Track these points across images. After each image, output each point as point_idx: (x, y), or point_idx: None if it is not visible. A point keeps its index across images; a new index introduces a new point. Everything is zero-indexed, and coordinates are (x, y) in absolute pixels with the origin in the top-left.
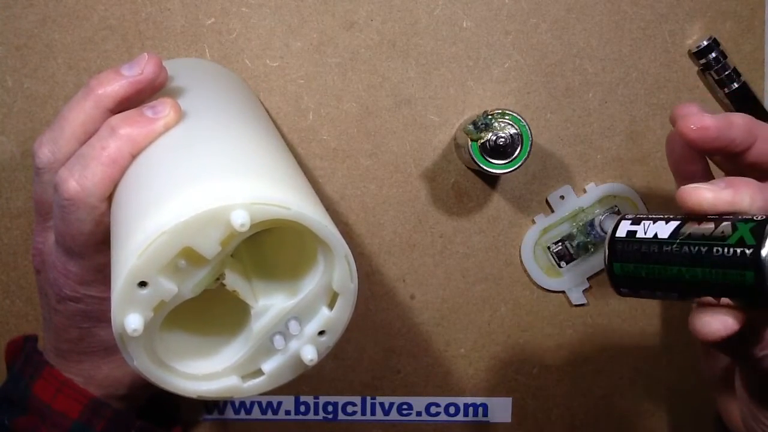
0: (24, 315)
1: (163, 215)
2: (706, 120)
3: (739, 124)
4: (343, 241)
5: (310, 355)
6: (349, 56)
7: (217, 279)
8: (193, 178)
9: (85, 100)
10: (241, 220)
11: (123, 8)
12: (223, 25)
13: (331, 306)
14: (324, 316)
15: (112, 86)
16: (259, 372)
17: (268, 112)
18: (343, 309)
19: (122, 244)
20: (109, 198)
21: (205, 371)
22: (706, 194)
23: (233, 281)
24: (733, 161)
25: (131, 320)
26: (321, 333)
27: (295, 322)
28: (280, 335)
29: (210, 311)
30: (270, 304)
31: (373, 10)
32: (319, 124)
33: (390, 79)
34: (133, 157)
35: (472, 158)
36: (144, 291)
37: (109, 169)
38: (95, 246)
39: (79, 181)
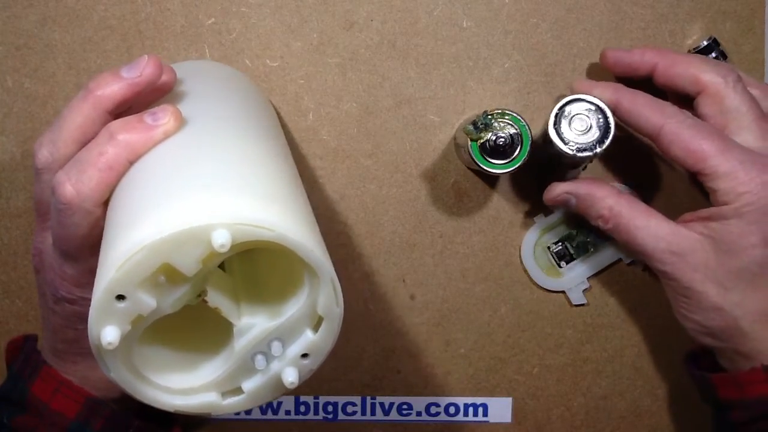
0: (24, 315)
1: (144, 230)
2: (607, 52)
3: (634, 54)
4: (328, 265)
5: (291, 377)
6: (349, 56)
7: (199, 295)
8: (177, 193)
9: (84, 102)
10: (221, 240)
11: (123, 8)
12: (223, 25)
13: (315, 329)
14: (308, 339)
15: (111, 88)
16: (239, 390)
17: (277, 112)
18: (328, 333)
19: (105, 255)
20: (106, 203)
21: (183, 385)
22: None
23: (215, 298)
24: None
25: (107, 333)
26: (304, 356)
27: (277, 343)
28: (262, 355)
29: (193, 326)
30: (253, 323)
31: (373, 10)
32: (319, 124)
33: (390, 79)
34: (131, 163)
35: (472, 158)
36: (122, 304)
37: (106, 175)
38: (90, 249)
39: (76, 185)
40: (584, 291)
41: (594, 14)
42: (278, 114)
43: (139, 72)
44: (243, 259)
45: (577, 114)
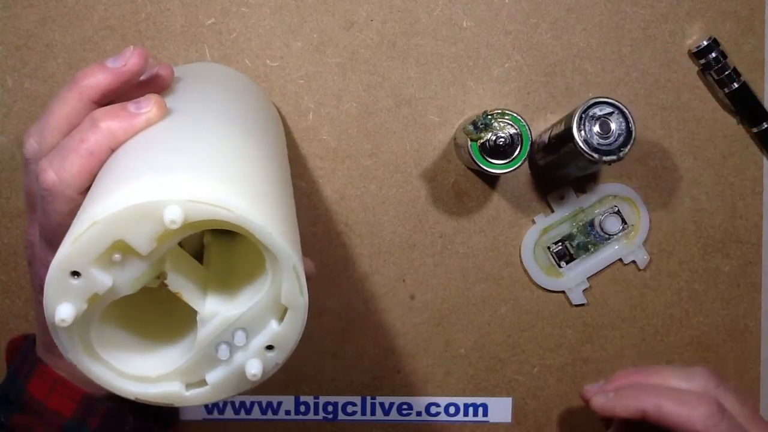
0: (24, 315)
1: (99, 206)
2: (594, 402)
3: (621, 406)
4: (291, 252)
5: (254, 369)
6: (349, 56)
7: (158, 277)
8: (135, 174)
9: (70, 92)
10: (171, 215)
11: (123, 8)
12: (223, 25)
13: (280, 319)
14: (272, 330)
15: (96, 78)
16: (203, 382)
17: (280, 113)
18: (293, 324)
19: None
20: (88, 190)
21: (145, 373)
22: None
23: (176, 282)
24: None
25: (61, 310)
26: (269, 348)
27: (241, 333)
28: (225, 345)
29: (159, 313)
30: (217, 311)
31: (373, 10)
32: (319, 124)
33: (390, 79)
34: (112, 150)
35: (472, 158)
36: (76, 281)
37: (87, 161)
38: None
39: (57, 172)
40: (584, 291)
41: (594, 14)
42: (281, 116)
43: (123, 62)
44: (221, 251)
45: (600, 117)
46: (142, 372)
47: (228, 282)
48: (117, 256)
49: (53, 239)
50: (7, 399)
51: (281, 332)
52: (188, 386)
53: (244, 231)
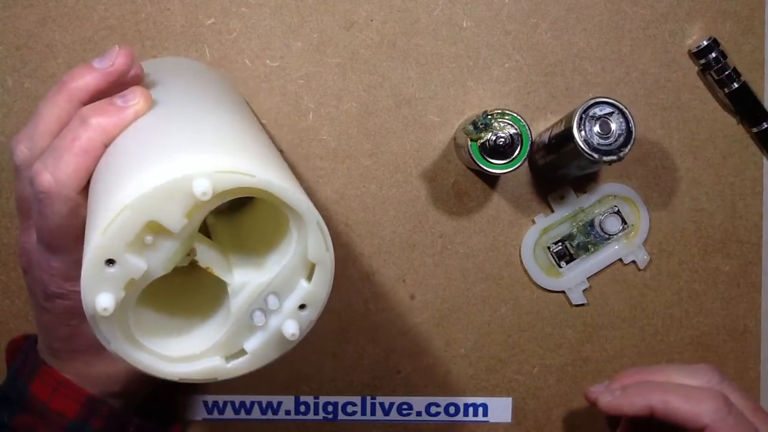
0: (24, 315)
1: (126, 191)
2: (601, 401)
3: (627, 404)
4: (313, 208)
5: (291, 329)
6: (349, 56)
7: (188, 255)
8: (155, 155)
9: (58, 95)
10: (202, 188)
11: (123, 8)
12: (223, 25)
13: (309, 278)
14: (303, 289)
15: (84, 79)
16: (242, 352)
17: (276, 112)
18: (322, 280)
19: (90, 226)
20: (86, 189)
21: (185, 353)
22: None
23: (206, 257)
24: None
25: (102, 300)
26: (302, 307)
27: (273, 297)
28: (260, 312)
29: (188, 292)
30: (247, 281)
31: (373, 10)
32: (319, 124)
33: (390, 79)
34: (106, 146)
35: (472, 158)
36: (112, 269)
37: (82, 160)
38: (74, 239)
39: (53, 173)
40: (584, 291)
41: (594, 14)
42: (278, 114)
43: (111, 62)
44: (226, 224)
45: (600, 117)
46: (182, 352)
47: (245, 254)
48: (149, 238)
49: (53, 242)
50: (8, 400)
51: (312, 290)
52: (228, 358)
53: (268, 195)
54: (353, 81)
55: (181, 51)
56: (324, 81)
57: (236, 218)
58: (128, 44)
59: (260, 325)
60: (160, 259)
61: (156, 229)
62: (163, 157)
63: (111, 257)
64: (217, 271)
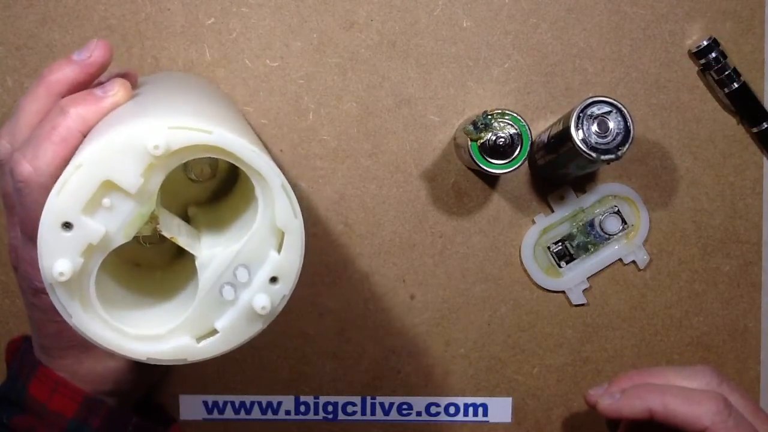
0: (24, 315)
1: (81, 154)
2: (600, 404)
3: (627, 407)
4: (277, 170)
5: (262, 302)
6: (349, 56)
7: (151, 223)
8: (114, 123)
9: (38, 88)
10: (155, 141)
11: (123, 8)
12: (223, 25)
13: (279, 248)
14: (273, 260)
15: (63, 71)
16: (213, 331)
17: (276, 112)
18: (292, 249)
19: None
20: None
21: (154, 331)
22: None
23: (169, 226)
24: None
25: (58, 264)
26: (273, 280)
27: (243, 270)
28: (229, 286)
29: (159, 272)
30: (215, 253)
31: (373, 10)
32: (319, 124)
33: (390, 79)
34: (83, 135)
35: (472, 158)
36: (69, 233)
37: (60, 148)
38: None
39: (32, 162)
40: (584, 291)
41: (594, 14)
42: (278, 114)
43: (89, 53)
44: (206, 214)
45: (598, 116)
46: (148, 330)
47: (217, 227)
48: (106, 200)
49: (34, 233)
50: (8, 400)
51: (282, 260)
52: (198, 339)
53: (226, 154)
54: (353, 81)
55: (181, 51)
56: (324, 81)
57: (216, 208)
58: (128, 44)
59: (230, 299)
60: (119, 223)
61: (113, 188)
62: (120, 122)
63: (67, 219)
64: (182, 241)
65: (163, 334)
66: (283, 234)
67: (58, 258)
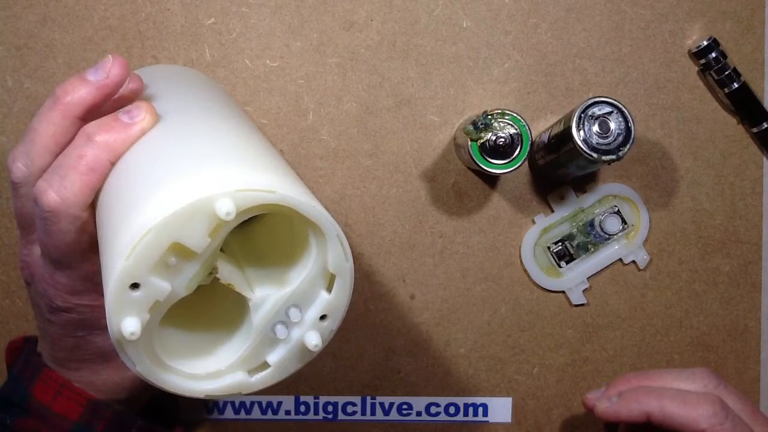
0: (24, 315)
1: (148, 212)
2: (598, 408)
3: (625, 410)
4: (333, 220)
5: (314, 340)
6: (349, 56)
7: (210, 273)
8: (174, 173)
9: (53, 111)
10: (226, 208)
11: (123, 8)
12: (223, 25)
13: (329, 289)
14: (323, 299)
15: (79, 93)
16: (265, 365)
17: (276, 112)
18: (342, 290)
19: (110, 248)
20: (92, 205)
21: (209, 369)
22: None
23: (227, 274)
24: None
25: (128, 324)
26: (323, 317)
27: (295, 310)
28: (281, 324)
29: (209, 308)
30: (267, 294)
31: (373, 10)
32: (319, 124)
33: (390, 79)
34: (112, 163)
35: (472, 158)
36: (137, 293)
37: (88, 178)
38: (81, 255)
39: (59, 192)
40: (584, 291)
41: (594, 14)
42: (278, 114)
43: (105, 74)
44: (237, 236)
45: (599, 116)
46: (206, 369)
47: (262, 268)
48: (173, 260)
49: (60, 259)
50: (11, 402)
51: (332, 300)
52: (251, 372)
53: (289, 210)
54: (353, 81)
55: (181, 51)
56: (324, 81)
57: (247, 230)
58: (128, 44)
59: (282, 338)
60: (184, 279)
61: (179, 249)
62: (182, 176)
63: (135, 281)
64: (239, 288)
65: (220, 371)
66: (333, 276)
67: (127, 316)
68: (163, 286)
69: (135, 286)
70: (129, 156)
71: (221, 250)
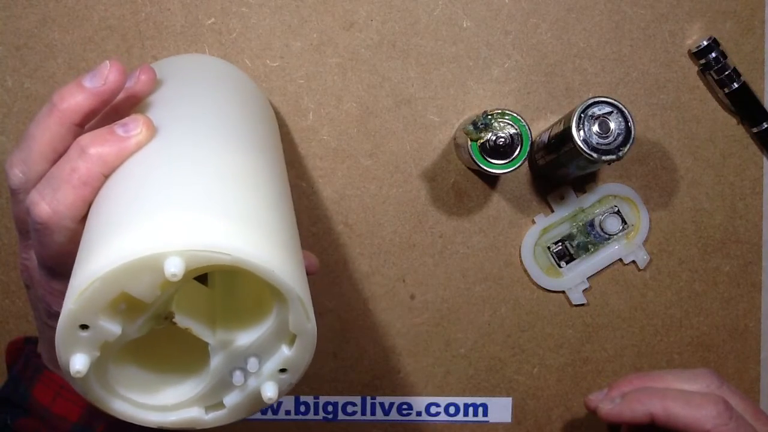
0: (24, 315)
1: (99, 260)
2: (601, 409)
3: (628, 411)
4: (294, 285)
5: (269, 392)
6: (349, 56)
7: (166, 318)
8: (132, 219)
9: (50, 118)
10: (173, 269)
11: (123, 8)
12: (223, 25)
13: (290, 345)
14: (283, 354)
15: (76, 100)
16: (221, 404)
17: (277, 112)
18: (303, 349)
19: (71, 278)
20: (86, 216)
21: (164, 402)
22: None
23: (184, 320)
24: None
25: (75, 361)
26: (282, 371)
27: (254, 360)
28: (240, 371)
29: (169, 345)
30: (228, 340)
31: (373, 10)
32: (319, 124)
33: (390, 79)
34: (105, 177)
35: (472, 158)
36: (85, 333)
37: (81, 191)
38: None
39: (51, 204)
40: (584, 291)
41: (594, 14)
42: (278, 114)
43: (102, 80)
44: (225, 273)
45: (599, 116)
46: (161, 402)
47: (235, 309)
48: (123, 306)
49: (55, 267)
50: (11, 403)
51: (292, 356)
52: (207, 409)
53: (246, 271)
54: (353, 81)
55: (181, 51)
56: (324, 81)
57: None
58: (128, 44)
59: (238, 385)
60: (136, 324)
61: (129, 298)
62: (138, 223)
63: (84, 323)
64: (197, 332)
65: (175, 405)
66: (295, 334)
67: (75, 353)
68: (112, 329)
69: (84, 327)
70: (120, 172)
71: (205, 275)
